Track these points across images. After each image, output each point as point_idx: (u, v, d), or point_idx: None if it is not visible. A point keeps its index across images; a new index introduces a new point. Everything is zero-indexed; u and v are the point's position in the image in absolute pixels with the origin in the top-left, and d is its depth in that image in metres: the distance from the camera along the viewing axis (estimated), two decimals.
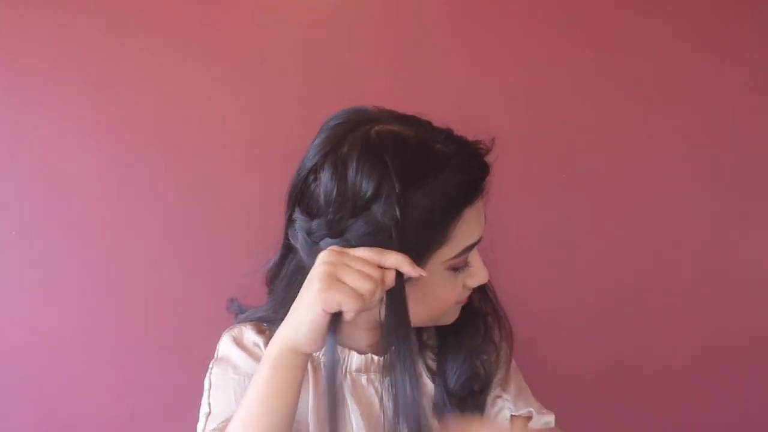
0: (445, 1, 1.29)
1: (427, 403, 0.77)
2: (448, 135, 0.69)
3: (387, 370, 0.74)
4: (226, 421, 0.70)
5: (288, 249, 0.76)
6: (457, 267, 0.69)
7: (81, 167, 1.23)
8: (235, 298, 0.87)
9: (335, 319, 0.61)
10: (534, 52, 1.31)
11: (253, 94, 1.26)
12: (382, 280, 0.62)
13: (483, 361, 0.78)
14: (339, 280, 0.60)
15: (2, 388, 1.24)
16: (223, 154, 1.26)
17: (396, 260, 0.62)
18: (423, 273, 0.63)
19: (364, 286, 0.60)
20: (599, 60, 1.32)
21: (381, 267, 0.62)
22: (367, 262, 0.61)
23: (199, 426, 0.74)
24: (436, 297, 0.70)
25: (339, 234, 0.65)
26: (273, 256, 0.79)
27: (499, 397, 0.80)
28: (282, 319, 0.65)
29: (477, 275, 0.72)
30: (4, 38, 1.20)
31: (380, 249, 0.63)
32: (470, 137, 0.70)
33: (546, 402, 0.83)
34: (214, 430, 0.72)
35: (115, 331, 1.25)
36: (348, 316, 0.61)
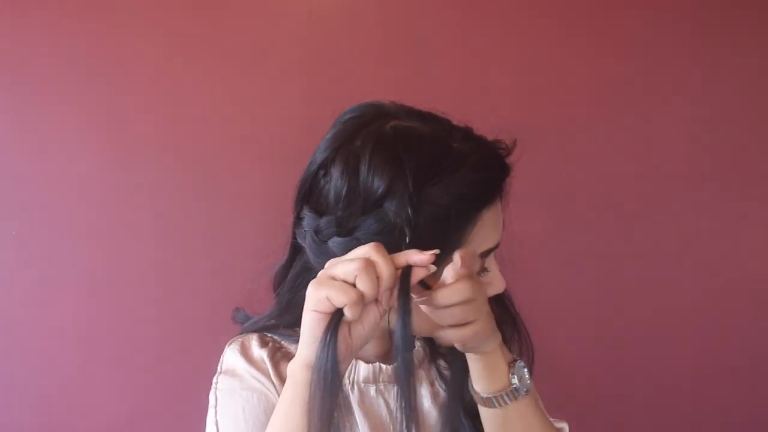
0: (444, 1, 1.29)
1: (442, 414, 0.72)
2: (466, 133, 0.66)
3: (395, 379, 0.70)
4: None
5: (296, 250, 0.72)
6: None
7: (81, 167, 1.23)
8: (241, 308, 0.83)
9: (334, 321, 0.56)
10: (534, 53, 1.31)
11: (255, 93, 1.26)
12: (391, 275, 0.55)
13: None
14: (330, 276, 0.56)
15: (2, 388, 1.24)
16: (224, 154, 1.26)
17: (404, 256, 0.56)
18: (433, 253, 0.56)
19: (354, 271, 0.54)
20: (599, 60, 1.32)
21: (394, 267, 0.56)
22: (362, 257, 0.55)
23: None
24: None
25: (348, 232, 0.61)
26: (279, 259, 0.75)
27: None
28: (287, 324, 0.62)
29: (494, 283, 0.67)
30: (4, 38, 1.20)
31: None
32: (490, 137, 0.68)
33: (545, 403, 0.83)
34: None
35: (115, 331, 1.25)
36: (348, 312, 0.55)
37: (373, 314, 0.58)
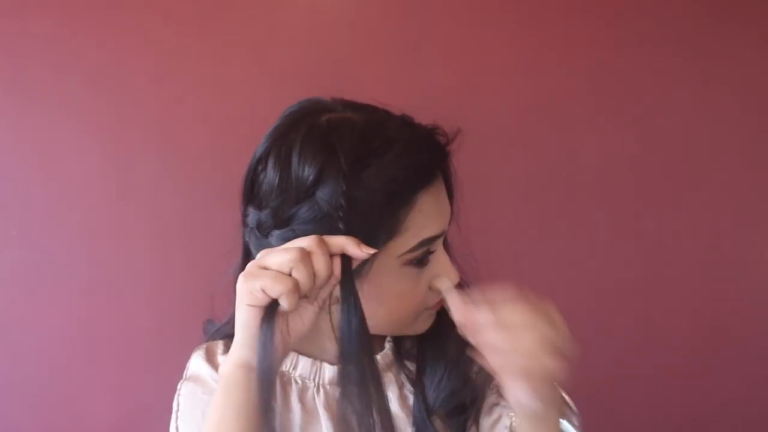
0: (444, 1, 1.29)
1: (407, 419, 0.70)
2: (403, 120, 0.65)
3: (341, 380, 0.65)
4: None
5: (247, 251, 0.71)
6: (416, 263, 0.63)
7: (81, 167, 1.23)
8: (212, 320, 0.82)
9: (270, 312, 0.55)
10: (533, 53, 1.31)
11: (253, 94, 1.26)
12: (326, 266, 0.55)
13: (470, 371, 0.70)
14: (262, 267, 0.55)
15: (2, 388, 1.24)
16: (223, 155, 1.25)
17: (339, 242, 0.56)
18: (371, 250, 0.57)
19: (289, 262, 0.53)
20: (598, 60, 1.32)
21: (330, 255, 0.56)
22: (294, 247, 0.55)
23: None
24: (396, 296, 0.64)
25: (285, 223, 0.61)
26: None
27: (496, 404, 0.71)
28: None
29: (442, 275, 0.64)
30: (5, 38, 1.20)
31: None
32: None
33: None
34: None
35: (115, 331, 1.25)
36: (284, 303, 0.54)
37: (311, 308, 0.58)
